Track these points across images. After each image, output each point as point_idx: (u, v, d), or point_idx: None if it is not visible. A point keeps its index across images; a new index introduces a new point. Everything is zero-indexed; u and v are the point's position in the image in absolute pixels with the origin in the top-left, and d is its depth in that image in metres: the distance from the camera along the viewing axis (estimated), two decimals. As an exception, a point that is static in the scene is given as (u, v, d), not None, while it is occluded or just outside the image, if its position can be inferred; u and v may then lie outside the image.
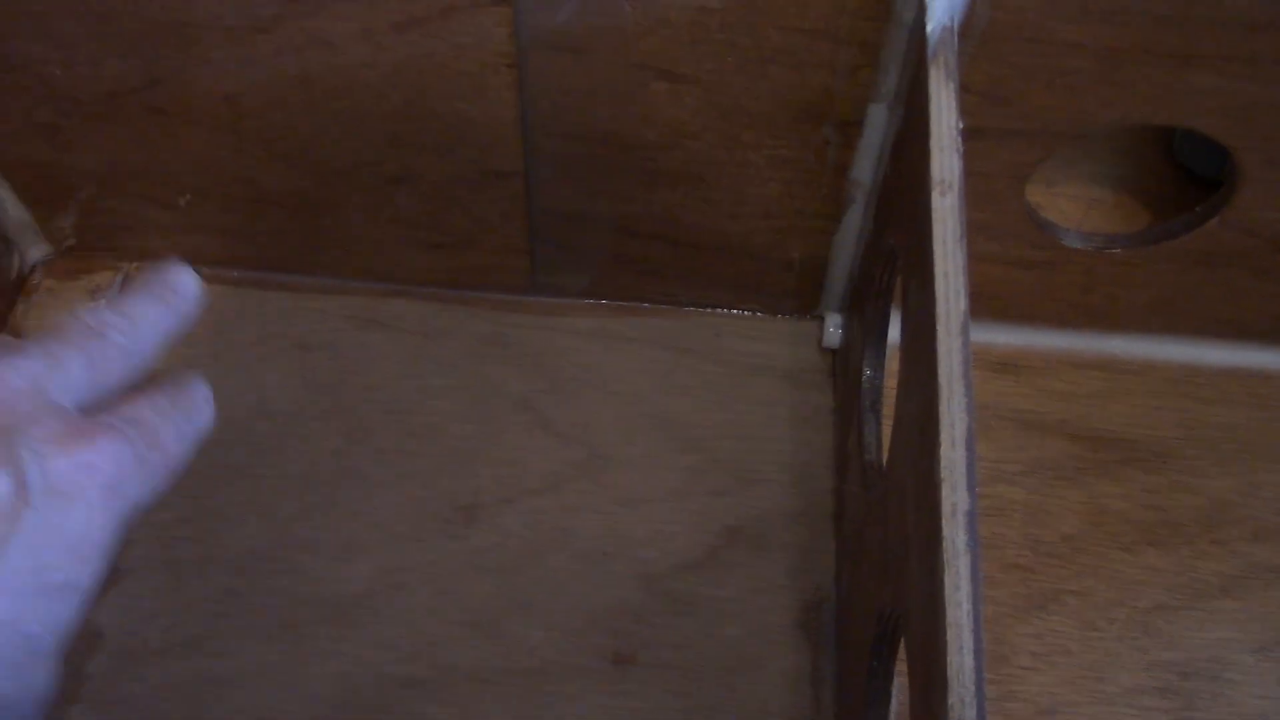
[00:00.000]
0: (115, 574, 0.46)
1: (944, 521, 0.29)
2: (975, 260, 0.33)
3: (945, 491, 0.29)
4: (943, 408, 0.30)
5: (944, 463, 0.29)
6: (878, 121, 0.43)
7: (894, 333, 0.44)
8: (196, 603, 0.46)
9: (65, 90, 0.45)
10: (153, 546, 0.47)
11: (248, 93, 0.45)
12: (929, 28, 0.36)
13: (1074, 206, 0.56)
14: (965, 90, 0.37)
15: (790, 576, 0.47)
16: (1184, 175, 0.57)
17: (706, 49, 0.41)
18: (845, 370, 0.49)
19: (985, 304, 0.50)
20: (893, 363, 0.45)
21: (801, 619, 0.46)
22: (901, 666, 0.33)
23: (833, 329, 0.51)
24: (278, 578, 0.46)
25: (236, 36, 0.42)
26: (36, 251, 0.54)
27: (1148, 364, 0.52)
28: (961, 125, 0.34)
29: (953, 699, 0.26)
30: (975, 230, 0.37)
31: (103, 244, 0.53)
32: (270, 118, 0.45)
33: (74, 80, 0.45)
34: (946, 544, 0.28)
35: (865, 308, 0.46)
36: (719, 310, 0.53)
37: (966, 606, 0.27)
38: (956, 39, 0.36)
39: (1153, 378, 0.52)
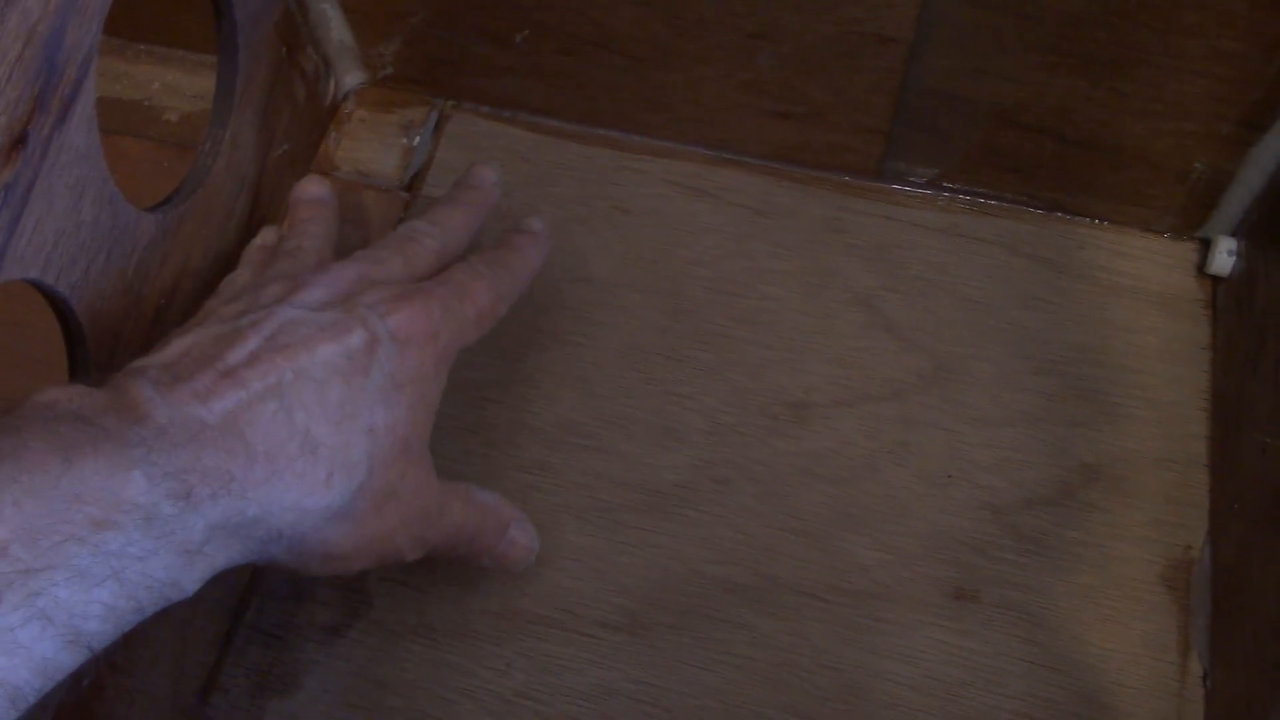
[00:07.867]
0: (423, 430, 0.44)
1: None
2: None
3: None
4: None
5: None
6: (1364, 18, 0.36)
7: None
8: (507, 471, 0.43)
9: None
10: (463, 407, 0.44)
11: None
12: None
13: None
14: None
15: (1155, 528, 0.41)
16: None
17: (1185, -92, 0.35)
18: (1241, 303, 0.43)
19: None
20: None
21: (1167, 577, 0.41)
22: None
23: (1225, 253, 0.45)
24: (591, 456, 0.43)
25: None
26: (351, 78, 0.50)
27: None
28: None
29: None
30: None
31: (421, 76, 0.50)
32: (644, -50, 0.41)
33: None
34: None
35: (1293, 235, 0.39)
36: (1085, 219, 0.47)
37: None
38: None
39: None
